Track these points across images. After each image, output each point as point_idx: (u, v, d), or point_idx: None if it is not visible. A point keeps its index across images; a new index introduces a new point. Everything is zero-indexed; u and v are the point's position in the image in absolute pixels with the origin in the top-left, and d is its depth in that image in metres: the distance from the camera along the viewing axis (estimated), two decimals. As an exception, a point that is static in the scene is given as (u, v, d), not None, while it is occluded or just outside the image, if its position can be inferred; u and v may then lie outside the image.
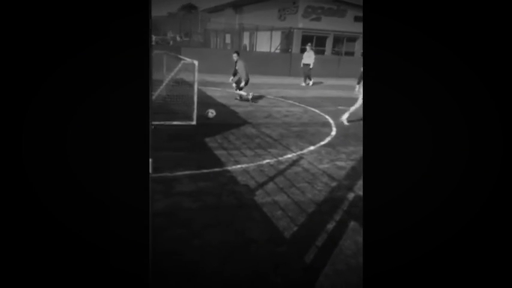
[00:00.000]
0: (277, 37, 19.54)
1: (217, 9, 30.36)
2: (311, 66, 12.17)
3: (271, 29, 18.53)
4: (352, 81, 14.70)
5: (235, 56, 8.26)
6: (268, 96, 9.42)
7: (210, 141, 4.88)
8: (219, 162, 4.05)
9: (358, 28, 21.63)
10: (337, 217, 2.91)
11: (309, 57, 12.32)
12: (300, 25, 20.21)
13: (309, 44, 13.40)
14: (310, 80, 12.44)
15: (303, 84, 12.26)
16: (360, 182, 3.72)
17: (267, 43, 18.47)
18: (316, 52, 21.01)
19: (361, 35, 21.88)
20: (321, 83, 13.33)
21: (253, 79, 12.61)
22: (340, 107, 8.38)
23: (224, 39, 25.31)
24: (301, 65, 12.63)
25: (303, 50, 20.48)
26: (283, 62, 15.75)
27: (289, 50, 19.52)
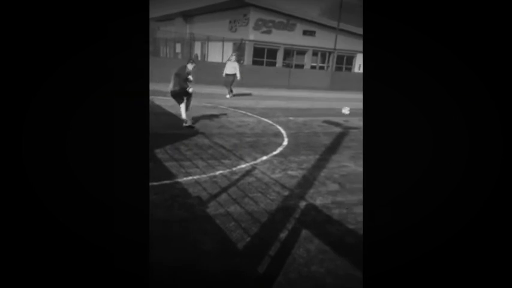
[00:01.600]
0: (229, 48, 19.68)
1: (166, 18, 29.88)
2: (238, 77, 11.49)
3: (223, 40, 18.63)
4: (303, 93, 15.24)
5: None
6: (221, 107, 9.39)
7: (160, 153, 4.72)
8: (169, 174, 3.92)
9: (306, 42, 22.54)
10: (290, 226, 2.95)
11: (233, 68, 11.57)
12: (251, 37, 20.58)
13: (234, 54, 12.64)
14: (232, 91, 11.77)
15: (228, 96, 11.57)
16: (311, 191, 3.81)
17: (219, 54, 18.51)
18: (268, 64, 21.52)
19: (310, 49, 22.88)
20: (250, 94, 13.20)
21: (206, 89, 12.53)
22: (291, 118, 8.60)
23: (174, 48, 24.93)
24: (224, 75, 11.77)
25: (255, 62, 20.86)
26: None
27: (241, 62, 19.72)
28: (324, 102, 12.99)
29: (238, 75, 11.54)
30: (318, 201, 3.53)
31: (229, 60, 12.12)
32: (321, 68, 24.06)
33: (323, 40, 22.52)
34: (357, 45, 24.06)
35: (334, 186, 4.03)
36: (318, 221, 3.10)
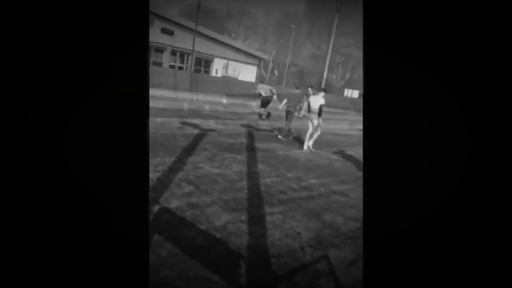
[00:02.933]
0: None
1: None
2: None
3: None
4: (161, 92, 14.80)
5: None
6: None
7: None
8: None
9: (165, 40, 22.05)
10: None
11: None
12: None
13: None
14: None
15: None
16: (166, 194, 3.78)
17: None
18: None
19: (169, 48, 22.49)
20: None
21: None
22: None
23: None
24: None
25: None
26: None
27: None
28: (184, 103, 12.99)
29: None
30: (173, 204, 3.53)
31: None
32: (180, 68, 23.99)
33: (182, 41, 22.50)
34: (215, 49, 24.98)
35: (189, 188, 4.10)
36: (171, 224, 3.10)
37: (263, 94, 12.07)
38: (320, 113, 7.48)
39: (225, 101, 17.36)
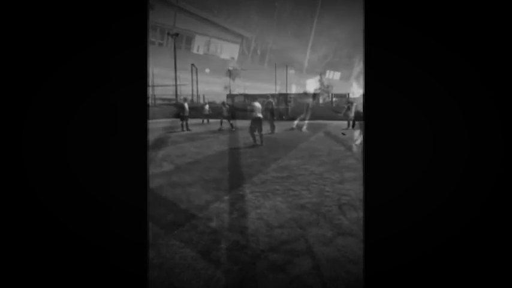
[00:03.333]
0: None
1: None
2: None
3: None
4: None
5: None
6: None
7: None
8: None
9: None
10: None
11: None
12: None
13: None
14: None
15: None
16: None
17: None
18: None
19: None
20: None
21: None
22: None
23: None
24: None
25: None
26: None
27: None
28: (165, 80, 12.70)
29: None
30: (153, 184, 3.52)
31: None
32: (160, 44, 23.35)
33: (162, 16, 21.79)
34: (197, 26, 24.33)
35: (170, 167, 4.09)
36: (150, 203, 3.11)
37: (231, 68, 12.07)
38: (314, 96, 7.65)
39: (207, 70, 17.82)
